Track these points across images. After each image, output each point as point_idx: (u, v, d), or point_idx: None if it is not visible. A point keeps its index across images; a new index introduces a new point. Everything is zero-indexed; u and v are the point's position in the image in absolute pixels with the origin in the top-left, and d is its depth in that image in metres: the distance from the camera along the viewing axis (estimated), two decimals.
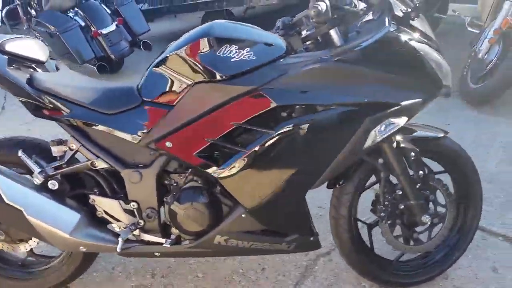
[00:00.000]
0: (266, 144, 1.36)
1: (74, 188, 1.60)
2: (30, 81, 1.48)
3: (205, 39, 1.37)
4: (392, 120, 1.37)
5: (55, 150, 1.55)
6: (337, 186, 1.60)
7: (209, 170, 1.43)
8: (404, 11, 1.35)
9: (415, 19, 1.37)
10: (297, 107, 1.33)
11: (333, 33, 1.36)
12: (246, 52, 1.35)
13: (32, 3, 4.95)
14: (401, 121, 1.38)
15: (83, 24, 4.20)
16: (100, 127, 1.49)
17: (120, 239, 1.52)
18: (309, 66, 1.32)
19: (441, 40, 1.53)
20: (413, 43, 1.34)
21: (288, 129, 1.34)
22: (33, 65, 1.57)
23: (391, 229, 1.61)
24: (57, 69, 1.69)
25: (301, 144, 1.36)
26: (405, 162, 1.53)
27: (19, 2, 5.22)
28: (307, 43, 1.46)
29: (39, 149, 1.60)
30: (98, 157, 1.52)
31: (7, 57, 1.49)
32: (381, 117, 1.35)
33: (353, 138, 1.36)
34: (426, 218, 1.57)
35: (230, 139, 1.40)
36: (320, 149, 1.38)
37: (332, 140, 1.37)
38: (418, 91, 1.37)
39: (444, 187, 1.63)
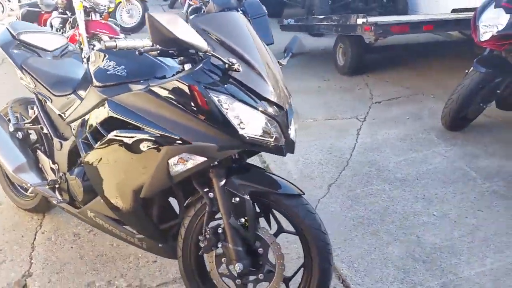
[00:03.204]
0: (102, 145, 1.63)
1: (33, 142, 2.20)
2: (23, 61, 2.11)
3: (98, 52, 1.72)
4: (187, 155, 1.44)
5: (30, 112, 2.17)
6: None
7: (82, 155, 1.79)
8: (227, 62, 1.38)
9: (238, 71, 1.39)
10: (122, 121, 1.55)
11: (186, 66, 1.52)
12: (121, 69, 1.64)
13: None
14: (198, 159, 1.44)
15: None
16: (49, 103, 2.02)
17: (30, 185, 2.04)
18: (136, 90, 1.52)
19: None
20: (210, 91, 1.37)
21: (114, 137, 1.57)
22: (38, 51, 2.19)
23: (217, 264, 1.65)
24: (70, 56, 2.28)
25: (123, 153, 1.58)
26: (229, 204, 1.54)
27: (202, 2, 6.39)
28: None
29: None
30: (45, 124, 2.06)
31: (17, 42, 2.15)
32: (175, 149, 1.44)
33: (157, 162, 1.50)
34: (238, 267, 1.54)
35: (93, 135, 1.72)
36: (136, 163, 1.56)
37: (143, 158, 1.53)
38: (214, 137, 1.40)
39: (276, 246, 1.56)
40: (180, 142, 1.43)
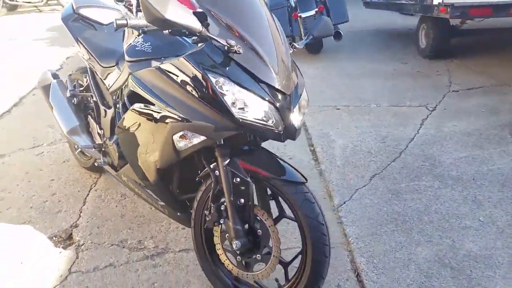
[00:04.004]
0: (126, 117, 1.75)
1: (86, 108, 2.42)
2: (79, 34, 2.32)
3: (130, 29, 1.82)
4: (189, 133, 1.50)
5: (84, 80, 2.39)
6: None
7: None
8: (225, 44, 1.38)
9: (238, 52, 1.38)
10: (140, 95, 1.64)
11: (200, 45, 1.56)
12: (147, 45, 1.73)
13: None
14: (199, 137, 1.49)
15: (293, 5, 4.84)
16: (98, 73, 2.21)
17: (78, 147, 2.26)
18: (151, 66, 1.59)
19: None
20: (209, 73, 1.39)
21: (134, 109, 1.68)
22: (94, 25, 2.38)
23: (222, 239, 1.71)
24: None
25: (141, 125, 1.68)
26: (230, 184, 1.57)
27: None
28: None
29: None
30: (94, 92, 2.26)
31: (76, 15, 2.36)
32: (177, 126, 1.50)
33: (164, 137, 1.57)
34: (235, 245, 1.58)
35: (123, 107, 1.85)
36: (150, 136, 1.65)
37: (155, 132, 1.61)
38: (211, 117, 1.42)
39: (273, 230, 1.57)
40: (182, 119, 1.48)
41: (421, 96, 3.91)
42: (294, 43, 1.66)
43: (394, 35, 6.19)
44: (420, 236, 2.14)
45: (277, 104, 1.44)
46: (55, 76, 2.55)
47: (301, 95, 1.57)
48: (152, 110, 1.59)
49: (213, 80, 1.39)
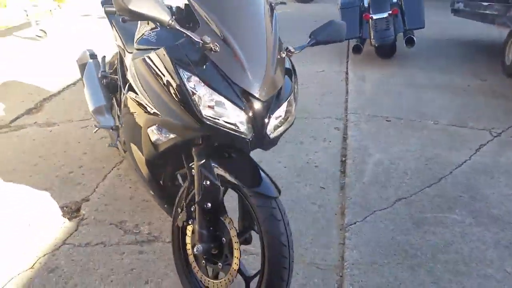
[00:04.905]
0: (123, 103, 1.77)
1: (114, 90, 2.50)
2: (113, 18, 2.39)
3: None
4: (161, 128, 1.46)
5: (115, 62, 2.47)
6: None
7: None
8: (199, 41, 1.30)
9: (214, 51, 1.30)
10: (130, 83, 1.64)
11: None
12: (153, 35, 1.72)
13: None
14: (171, 133, 1.45)
15: (366, 6, 4.55)
16: (123, 58, 2.27)
17: (96, 126, 2.35)
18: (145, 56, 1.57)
19: None
20: (180, 69, 1.31)
21: (127, 97, 1.68)
22: None
23: (192, 239, 1.65)
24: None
25: (131, 114, 1.68)
26: (201, 186, 1.51)
27: None
28: None
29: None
30: (119, 75, 2.33)
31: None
32: (150, 119, 1.47)
33: (142, 128, 1.55)
34: (196, 248, 1.52)
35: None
36: (136, 124, 1.64)
37: (138, 121, 1.60)
38: (179, 116, 1.35)
39: (235, 240, 1.48)
40: (154, 113, 1.45)
41: (488, 119, 3.47)
42: (289, 47, 1.53)
43: (481, 47, 5.57)
44: (426, 276, 1.89)
45: (249, 111, 1.34)
46: (92, 56, 2.67)
47: (285, 102, 1.44)
48: (138, 100, 1.58)
49: (184, 77, 1.33)
